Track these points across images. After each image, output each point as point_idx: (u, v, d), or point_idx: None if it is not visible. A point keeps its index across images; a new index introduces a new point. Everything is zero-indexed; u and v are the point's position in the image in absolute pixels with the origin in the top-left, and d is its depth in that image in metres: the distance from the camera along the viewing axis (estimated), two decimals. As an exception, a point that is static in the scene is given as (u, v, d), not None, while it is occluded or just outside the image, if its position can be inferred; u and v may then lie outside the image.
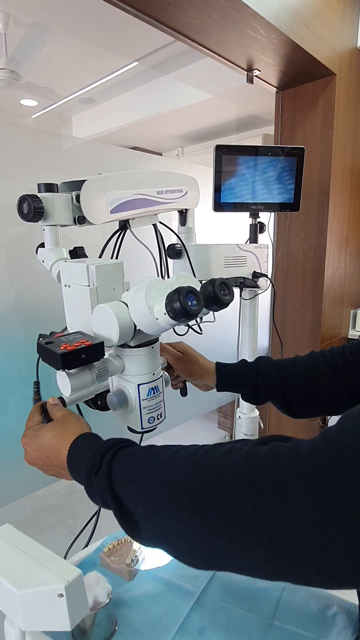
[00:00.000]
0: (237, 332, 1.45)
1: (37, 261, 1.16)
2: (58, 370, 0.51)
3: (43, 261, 0.74)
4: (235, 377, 0.78)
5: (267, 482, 0.35)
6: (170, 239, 0.94)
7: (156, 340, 0.61)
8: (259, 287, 1.25)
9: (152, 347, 0.61)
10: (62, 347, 0.51)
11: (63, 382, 0.54)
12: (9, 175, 1.07)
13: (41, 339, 0.56)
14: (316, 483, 0.33)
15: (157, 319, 0.52)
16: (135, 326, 0.56)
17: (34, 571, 0.51)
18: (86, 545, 0.77)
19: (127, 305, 0.55)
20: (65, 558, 0.59)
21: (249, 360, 0.80)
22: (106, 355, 0.59)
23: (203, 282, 0.58)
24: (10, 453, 1.13)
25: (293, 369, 0.75)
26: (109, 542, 0.86)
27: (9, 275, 1.11)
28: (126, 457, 0.47)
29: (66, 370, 0.52)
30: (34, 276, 1.15)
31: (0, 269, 1.10)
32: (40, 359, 0.56)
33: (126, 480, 0.45)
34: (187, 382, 0.82)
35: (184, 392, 0.80)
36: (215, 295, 0.54)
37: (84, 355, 0.51)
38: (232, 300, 0.57)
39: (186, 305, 0.49)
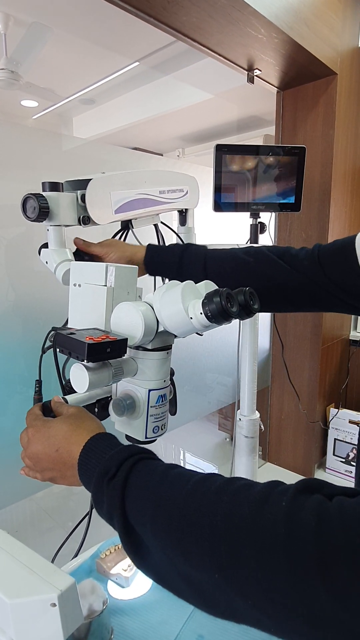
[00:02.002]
0: (237, 334, 1.43)
1: (36, 262, 1.15)
2: (82, 361, 0.49)
3: (47, 262, 0.72)
4: (161, 254, 0.75)
5: (308, 557, 0.30)
6: (170, 240, 0.93)
7: (171, 346, 0.61)
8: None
9: (167, 353, 0.61)
10: (87, 339, 0.49)
11: (80, 377, 0.52)
12: (9, 176, 1.06)
13: (56, 331, 0.55)
14: None
15: (191, 318, 0.52)
16: (157, 328, 0.56)
17: (26, 580, 0.49)
18: (76, 554, 0.76)
19: (150, 306, 0.56)
20: (53, 561, 0.58)
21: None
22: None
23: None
24: (9, 454, 1.12)
25: (220, 259, 0.73)
26: (106, 547, 0.85)
27: (8, 276, 1.11)
28: (145, 471, 0.42)
29: (88, 363, 0.51)
30: (33, 277, 1.14)
31: (0, 270, 1.09)
32: (57, 352, 0.55)
33: (140, 500, 0.40)
34: (176, 398, 0.80)
35: (173, 411, 0.78)
36: (246, 303, 0.54)
37: (109, 349, 0.51)
38: (259, 310, 0.57)
39: (227, 307, 0.50)
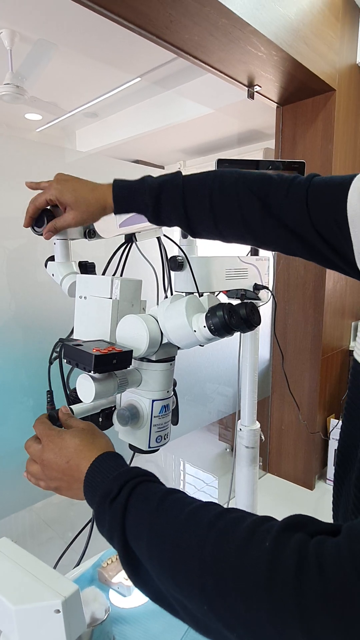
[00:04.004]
0: (237, 344, 1.44)
1: (38, 273, 1.17)
2: (89, 372, 0.51)
3: (53, 274, 0.74)
4: (134, 188, 0.64)
5: (287, 603, 0.31)
6: (171, 252, 0.95)
7: (174, 357, 0.63)
8: (260, 299, 1.25)
9: (170, 364, 0.62)
10: (94, 350, 0.51)
11: (86, 388, 0.54)
12: (12, 188, 1.08)
13: (63, 342, 0.56)
14: (341, 617, 0.29)
15: (194, 331, 0.54)
16: (161, 339, 0.57)
17: (30, 586, 0.50)
18: (79, 562, 0.76)
19: (155, 319, 0.58)
20: (55, 567, 0.58)
21: None
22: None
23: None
24: (9, 464, 1.12)
25: (200, 186, 0.62)
26: (108, 556, 0.85)
27: (10, 287, 1.12)
28: (144, 496, 0.43)
29: (95, 374, 0.52)
30: (35, 287, 1.16)
31: (2, 281, 1.10)
32: (63, 363, 0.56)
33: (137, 526, 0.41)
34: (178, 408, 0.80)
35: (174, 421, 0.79)
36: (247, 317, 0.56)
37: (115, 360, 0.52)
38: (260, 324, 0.58)
39: (229, 321, 0.52)
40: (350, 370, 0.56)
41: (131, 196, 0.64)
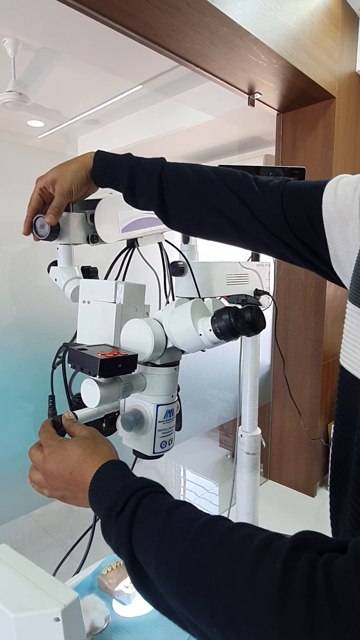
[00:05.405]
0: (238, 350, 1.44)
1: (39, 277, 1.18)
2: (94, 376, 0.51)
3: (55, 279, 0.74)
4: (115, 160, 0.66)
5: (298, 628, 0.31)
6: (173, 257, 0.95)
7: (179, 362, 0.63)
8: (260, 305, 1.25)
9: (175, 369, 0.62)
10: (99, 354, 0.51)
11: (91, 393, 0.54)
12: (15, 194, 1.09)
13: (67, 347, 0.56)
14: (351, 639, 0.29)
15: (200, 335, 0.54)
16: (166, 343, 0.57)
17: (29, 594, 0.49)
18: (78, 570, 0.75)
19: (159, 323, 0.58)
20: (54, 575, 0.58)
21: None
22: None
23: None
24: (9, 470, 1.12)
25: (183, 177, 0.62)
26: (108, 564, 0.84)
27: (11, 291, 1.12)
28: (151, 510, 0.42)
29: (100, 378, 0.52)
30: (36, 292, 1.16)
31: (3, 285, 1.11)
32: (67, 368, 0.55)
33: (144, 542, 0.41)
34: (181, 413, 0.80)
35: (177, 426, 0.79)
36: (252, 321, 0.56)
37: (120, 364, 0.52)
38: (265, 327, 0.59)
39: (235, 324, 0.52)
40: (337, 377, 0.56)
41: (109, 167, 0.67)
